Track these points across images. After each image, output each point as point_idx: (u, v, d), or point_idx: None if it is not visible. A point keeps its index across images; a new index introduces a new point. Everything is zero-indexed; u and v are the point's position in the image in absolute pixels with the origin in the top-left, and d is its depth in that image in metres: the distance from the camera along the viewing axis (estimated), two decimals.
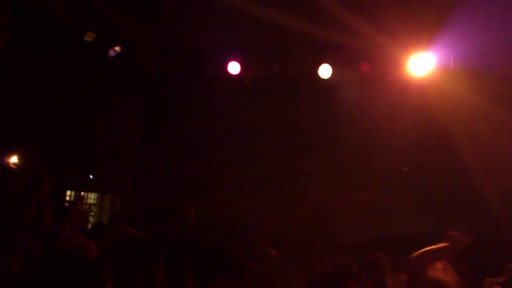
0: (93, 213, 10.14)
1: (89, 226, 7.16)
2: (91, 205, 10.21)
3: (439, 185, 8.12)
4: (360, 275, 3.25)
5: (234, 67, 8.51)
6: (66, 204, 8.10)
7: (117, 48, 7.47)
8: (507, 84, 7.31)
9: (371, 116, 8.16)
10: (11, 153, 6.35)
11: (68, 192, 9.42)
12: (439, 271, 4.00)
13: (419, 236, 6.71)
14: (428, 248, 3.56)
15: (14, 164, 5.87)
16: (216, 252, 3.14)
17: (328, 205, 8.51)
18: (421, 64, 7.50)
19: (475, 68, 7.38)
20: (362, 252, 6.77)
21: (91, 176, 9.24)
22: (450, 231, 3.92)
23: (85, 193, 10.08)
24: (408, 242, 5.86)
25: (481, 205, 7.72)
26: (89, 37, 6.95)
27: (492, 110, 7.45)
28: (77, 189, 9.79)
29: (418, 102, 7.98)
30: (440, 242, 4.23)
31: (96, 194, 10.25)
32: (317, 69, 8.15)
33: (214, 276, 2.84)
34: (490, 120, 7.59)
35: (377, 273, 5.37)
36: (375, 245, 7.29)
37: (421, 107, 8.02)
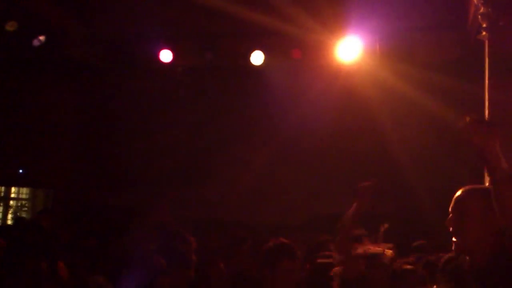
0: (25, 209, 9.88)
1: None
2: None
3: (367, 167, 8.35)
4: (296, 253, 3.48)
5: (166, 56, 8.42)
6: None
7: (42, 38, 7.26)
8: (430, 70, 7.55)
9: (303, 103, 8.28)
10: None
11: None
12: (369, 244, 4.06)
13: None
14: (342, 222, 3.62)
15: None
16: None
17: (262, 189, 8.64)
18: (349, 49, 7.65)
19: (400, 53, 7.59)
20: (301, 233, 6.92)
21: (20, 171, 8.98)
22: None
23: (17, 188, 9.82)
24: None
25: (405, 186, 7.99)
26: (10, 26, 6.72)
27: (417, 96, 7.69)
28: (7, 184, 9.50)
29: (348, 88, 8.17)
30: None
31: (28, 189, 9.98)
32: (249, 56, 8.18)
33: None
34: (415, 105, 7.84)
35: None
36: (311, 226, 7.47)
37: (351, 92, 8.21)
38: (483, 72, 5.34)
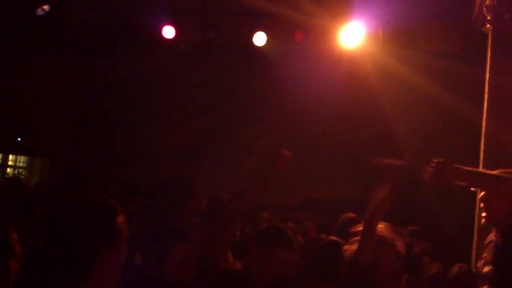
0: (22, 177, 9.91)
1: None
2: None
3: (366, 153, 8.42)
4: (293, 244, 2.94)
5: (168, 32, 8.40)
6: None
7: (46, 7, 7.23)
8: (432, 56, 7.59)
9: (305, 86, 8.31)
10: None
11: None
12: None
13: (345, 202, 7.00)
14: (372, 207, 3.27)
15: None
16: None
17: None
18: (352, 34, 7.67)
19: (403, 40, 7.62)
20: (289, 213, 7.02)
21: (19, 139, 9.01)
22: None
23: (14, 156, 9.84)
24: (334, 206, 6.09)
25: (406, 172, 8.07)
26: None
27: (419, 81, 7.74)
28: (5, 151, 9.52)
29: (350, 72, 8.21)
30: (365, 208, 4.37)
31: (26, 157, 10.01)
32: (252, 36, 8.18)
33: None
34: (417, 90, 7.89)
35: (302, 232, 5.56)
36: (302, 208, 7.57)
37: (353, 76, 8.25)
38: (485, 60, 5.39)
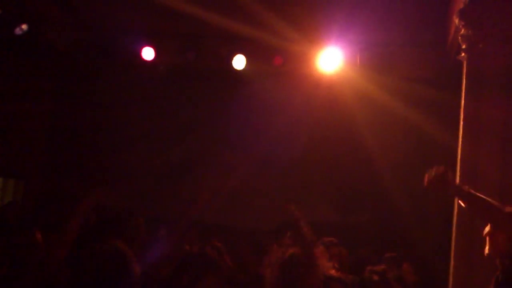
0: None
1: None
2: None
3: (345, 176, 8.53)
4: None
5: (148, 53, 8.42)
6: None
7: (24, 26, 7.18)
8: (409, 82, 7.74)
9: (285, 110, 8.38)
10: None
11: None
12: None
13: (324, 225, 7.02)
14: None
15: None
16: None
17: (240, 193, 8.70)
18: (330, 59, 7.79)
19: (379, 66, 7.77)
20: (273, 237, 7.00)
21: None
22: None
23: None
24: (314, 230, 6.10)
25: (384, 194, 8.17)
26: None
27: (396, 106, 7.87)
28: None
29: (329, 96, 8.32)
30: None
31: None
32: (232, 59, 8.24)
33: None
34: (394, 115, 8.02)
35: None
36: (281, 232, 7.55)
37: (332, 101, 8.36)
38: (460, 86, 5.52)
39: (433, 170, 2.92)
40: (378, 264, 5.01)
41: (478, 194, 2.88)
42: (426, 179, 2.95)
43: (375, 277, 4.30)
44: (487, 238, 3.07)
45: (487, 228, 3.10)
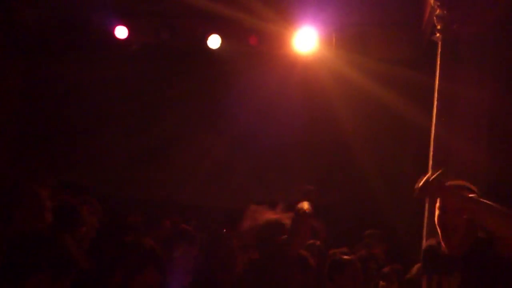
0: None
1: None
2: None
3: (320, 157, 8.56)
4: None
5: (121, 32, 8.26)
6: None
7: None
8: (384, 62, 7.76)
9: (260, 91, 8.34)
10: None
11: None
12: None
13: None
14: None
15: None
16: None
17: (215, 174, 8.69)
18: (305, 40, 7.75)
19: (355, 46, 7.77)
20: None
21: None
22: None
23: None
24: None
25: (359, 175, 8.23)
26: None
27: (370, 87, 7.89)
28: None
29: (305, 77, 8.30)
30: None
31: None
32: (207, 39, 8.14)
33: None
34: (368, 96, 8.05)
35: None
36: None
37: (307, 82, 8.35)
38: (434, 67, 5.56)
39: (427, 176, 2.49)
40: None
41: (490, 203, 2.43)
42: (417, 187, 2.51)
43: (345, 257, 4.34)
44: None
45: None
